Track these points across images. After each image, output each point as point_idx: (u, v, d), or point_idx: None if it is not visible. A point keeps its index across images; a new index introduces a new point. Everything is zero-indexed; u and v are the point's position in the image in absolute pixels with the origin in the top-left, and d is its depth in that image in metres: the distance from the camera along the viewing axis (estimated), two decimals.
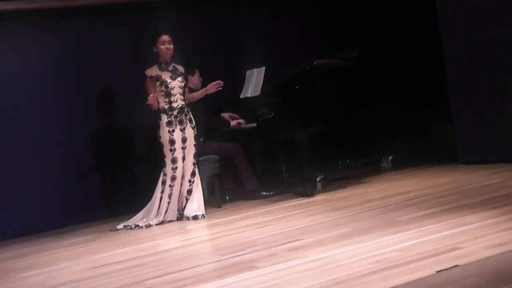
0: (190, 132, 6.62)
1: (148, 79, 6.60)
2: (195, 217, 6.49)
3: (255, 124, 6.97)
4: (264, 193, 7.32)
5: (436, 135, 7.88)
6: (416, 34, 8.29)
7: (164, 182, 6.56)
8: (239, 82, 7.64)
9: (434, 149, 7.93)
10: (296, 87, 6.87)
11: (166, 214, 6.57)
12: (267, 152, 7.72)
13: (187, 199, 6.63)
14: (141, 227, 6.50)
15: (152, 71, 6.62)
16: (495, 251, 3.41)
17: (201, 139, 7.02)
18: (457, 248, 3.60)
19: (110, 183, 7.93)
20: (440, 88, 7.42)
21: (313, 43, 8.97)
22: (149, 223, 6.52)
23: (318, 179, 7.02)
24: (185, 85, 6.74)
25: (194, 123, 6.67)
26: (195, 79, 7.46)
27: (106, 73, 7.92)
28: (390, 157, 8.13)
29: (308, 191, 6.82)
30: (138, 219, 6.64)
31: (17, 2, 7.51)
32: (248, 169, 7.43)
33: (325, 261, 3.87)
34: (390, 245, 3.96)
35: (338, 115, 7.08)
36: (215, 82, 6.72)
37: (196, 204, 6.60)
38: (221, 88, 6.76)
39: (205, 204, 6.70)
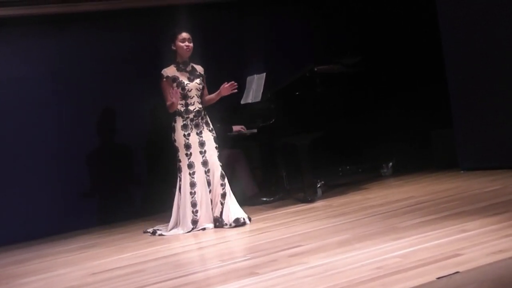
0: (208, 135, 6.25)
1: (165, 80, 6.24)
2: (237, 221, 6.01)
3: (255, 130, 6.97)
4: (265, 198, 7.32)
5: (436, 140, 7.88)
6: (416, 40, 8.31)
7: (180, 189, 6.22)
8: (240, 88, 7.63)
9: (434, 154, 7.93)
10: (297, 93, 6.88)
11: (198, 224, 6.11)
12: (267, 158, 7.72)
13: (222, 204, 6.15)
14: (165, 236, 6.14)
15: (169, 71, 6.26)
16: (496, 258, 3.41)
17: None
18: (457, 255, 3.60)
19: (110, 189, 7.93)
20: (441, 94, 7.43)
21: (314, 49, 8.98)
22: (175, 233, 6.14)
23: (318, 185, 7.02)
24: (203, 87, 6.35)
25: (211, 126, 6.33)
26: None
27: (105, 79, 7.93)
28: (391, 163, 8.14)
29: (308, 197, 6.81)
30: (166, 227, 6.31)
31: (16, 8, 7.53)
32: (249, 174, 7.44)
33: (326, 267, 3.87)
34: (391, 252, 3.96)
35: (339, 121, 7.08)
36: (228, 84, 6.35)
37: (234, 207, 6.16)
38: (236, 91, 6.44)
39: None
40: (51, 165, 7.62)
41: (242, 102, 7.55)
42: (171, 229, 6.22)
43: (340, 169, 8.71)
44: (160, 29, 7.93)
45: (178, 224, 6.21)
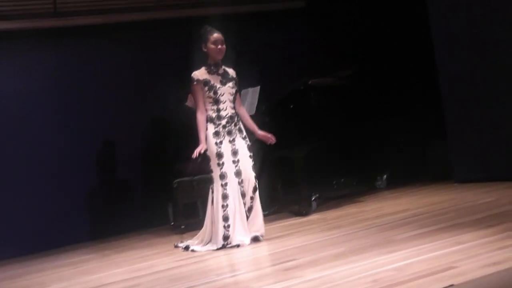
0: (241, 143, 5.79)
1: (195, 83, 5.78)
2: (256, 239, 5.66)
3: (250, 143, 6.96)
4: None
5: (431, 153, 7.89)
6: (410, 52, 8.33)
7: (213, 201, 5.73)
8: None
9: (428, 167, 7.94)
10: (291, 106, 6.89)
11: (230, 239, 5.60)
12: (262, 171, 7.71)
13: (247, 217, 5.74)
14: (195, 251, 5.75)
15: (200, 74, 5.80)
16: (490, 270, 3.40)
17: (199, 160, 6.92)
18: (452, 267, 3.59)
19: (102, 203, 7.91)
20: (435, 106, 7.44)
21: (308, 62, 9.00)
22: (208, 249, 5.69)
23: (313, 198, 7.01)
24: (236, 91, 5.91)
25: (245, 133, 5.87)
26: None
27: (100, 93, 7.94)
28: (385, 176, 8.13)
29: (303, 210, 6.81)
30: (196, 242, 5.90)
31: (14, 21, 7.55)
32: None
33: (321, 280, 3.86)
34: (386, 264, 3.95)
35: (333, 133, 7.09)
36: (269, 136, 5.96)
37: (256, 223, 5.77)
38: (270, 142, 6.01)
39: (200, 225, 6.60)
40: (40, 180, 7.60)
41: None
42: (205, 244, 5.76)
43: (334, 181, 8.70)
44: (157, 42, 7.97)
45: (211, 239, 5.76)
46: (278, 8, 9.13)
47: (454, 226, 4.84)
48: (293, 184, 6.94)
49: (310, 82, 7.05)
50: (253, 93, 7.38)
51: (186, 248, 5.87)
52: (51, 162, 7.68)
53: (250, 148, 5.83)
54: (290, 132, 6.81)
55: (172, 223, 7.45)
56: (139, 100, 8.11)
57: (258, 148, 6.22)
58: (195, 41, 6.09)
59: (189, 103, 7.39)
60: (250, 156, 5.79)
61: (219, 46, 5.79)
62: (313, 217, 6.64)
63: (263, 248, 5.36)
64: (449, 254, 3.94)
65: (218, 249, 5.57)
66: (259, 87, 7.34)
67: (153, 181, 7.98)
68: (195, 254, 5.63)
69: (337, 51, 8.90)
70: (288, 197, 7.44)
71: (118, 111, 8.01)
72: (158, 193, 7.69)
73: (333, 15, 9.14)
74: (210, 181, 5.77)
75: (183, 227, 7.14)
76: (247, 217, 5.71)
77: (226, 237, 5.61)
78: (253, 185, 5.74)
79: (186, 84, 7.20)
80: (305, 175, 6.88)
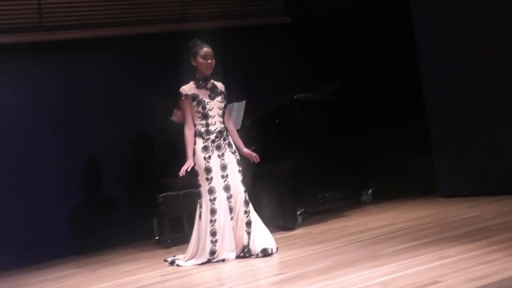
0: (230, 158, 5.74)
1: (184, 98, 5.74)
2: (264, 251, 5.47)
3: (239, 158, 6.97)
4: None
5: (416, 167, 7.92)
6: (395, 67, 8.37)
7: (200, 216, 5.68)
8: None
9: (413, 181, 7.97)
10: (277, 120, 6.91)
11: (216, 254, 5.56)
12: (248, 185, 7.71)
13: (248, 233, 5.60)
14: (181, 266, 5.67)
15: (189, 89, 5.76)
16: (475, 285, 3.42)
17: (183, 175, 6.89)
18: (437, 282, 3.61)
19: (90, 217, 7.88)
20: (420, 121, 7.48)
21: (294, 77, 9.03)
22: (193, 263, 5.62)
23: (298, 213, 7.02)
24: (225, 105, 5.89)
25: (234, 147, 5.84)
26: (180, 113, 7.47)
27: (84, 107, 7.94)
28: (371, 190, 8.16)
29: (288, 225, 6.81)
30: (183, 257, 5.80)
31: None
32: None
33: None
34: (371, 279, 3.96)
35: (319, 148, 7.11)
36: (254, 156, 5.94)
37: (262, 236, 5.60)
38: (253, 161, 5.98)
39: (185, 239, 6.57)
40: (24, 195, 7.56)
41: None
42: (189, 259, 5.70)
43: (320, 196, 8.70)
44: (141, 57, 7.98)
45: (196, 253, 5.69)
46: (263, 23, 9.17)
47: (439, 240, 4.86)
48: (279, 198, 6.94)
49: (296, 97, 7.07)
50: (239, 108, 7.39)
51: (172, 263, 5.83)
52: (35, 176, 7.64)
53: (239, 163, 5.79)
54: (276, 147, 6.82)
55: (157, 238, 7.43)
56: (124, 115, 8.11)
57: (248, 162, 6.24)
58: (180, 56, 6.09)
59: (174, 117, 7.40)
60: (239, 171, 5.75)
61: (209, 61, 5.77)
62: (299, 231, 6.64)
63: (248, 262, 5.35)
64: (433, 269, 3.96)
65: (203, 263, 5.53)
66: (244, 101, 7.35)
67: (138, 195, 7.96)
68: (181, 269, 5.60)
69: (322, 66, 8.94)
70: (273, 211, 7.44)
71: (103, 126, 7.99)
72: (144, 207, 7.66)
73: (318, 31, 9.19)
74: (199, 195, 5.72)
75: (168, 241, 7.13)
76: (249, 233, 5.59)
77: (213, 252, 5.57)
78: (243, 199, 5.67)
79: (171, 99, 7.23)
80: (291, 190, 6.89)
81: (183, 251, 5.97)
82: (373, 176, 8.14)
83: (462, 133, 6.98)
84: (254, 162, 6.01)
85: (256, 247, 5.51)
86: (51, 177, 7.71)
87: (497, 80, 6.60)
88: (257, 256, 5.47)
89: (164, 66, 8.20)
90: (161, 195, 7.22)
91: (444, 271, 3.83)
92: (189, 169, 5.63)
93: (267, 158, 6.78)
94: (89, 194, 7.94)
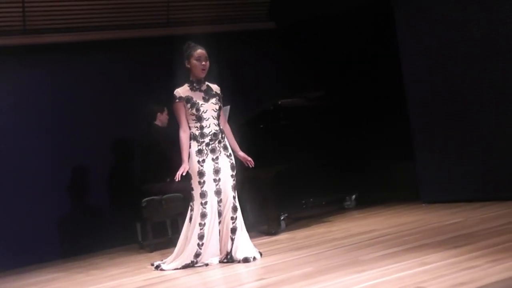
0: (224, 162, 5.67)
1: (177, 101, 5.67)
2: (246, 260, 5.42)
3: (234, 162, 6.97)
4: None
5: (398, 173, 7.97)
6: (378, 74, 8.42)
7: (191, 219, 5.65)
8: None
9: (397, 187, 8.01)
10: (261, 126, 6.91)
11: (200, 257, 5.56)
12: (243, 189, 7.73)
13: (232, 239, 5.59)
14: (165, 270, 5.65)
15: (183, 92, 5.69)
16: None
17: (168, 180, 6.87)
18: None
19: (73, 221, 7.85)
20: (402, 128, 7.52)
21: (278, 82, 9.05)
22: (175, 267, 5.61)
23: (282, 218, 7.03)
24: (220, 107, 5.79)
25: (230, 150, 5.78)
26: (163, 117, 7.48)
27: (68, 111, 7.92)
28: (354, 196, 8.19)
29: (272, 230, 6.82)
30: (168, 261, 5.76)
31: None
32: None
33: None
34: (353, 285, 3.97)
35: (302, 154, 7.12)
36: (249, 160, 5.90)
37: (244, 244, 5.59)
38: (247, 165, 5.94)
39: (169, 244, 6.55)
40: (7, 200, 7.51)
41: None
42: (173, 261, 5.69)
43: (303, 201, 8.72)
44: (124, 62, 7.97)
45: (181, 255, 5.66)
46: (248, 29, 9.18)
47: (421, 246, 4.89)
48: (262, 203, 6.95)
49: (280, 103, 7.09)
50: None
51: (157, 267, 5.80)
52: (19, 182, 7.59)
53: (233, 167, 5.74)
54: (260, 152, 6.82)
55: (141, 242, 7.41)
56: (108, 119, 8.09)
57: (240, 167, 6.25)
58: (164, 61, 6.11)
59: (158, 122, 7.40)
60: (232, 176, 5.70)
61: (203, 63, 5.73)
62: (282, 236, 6.65)
63: (231, 267, 5.35)
64: (415, 275, 3.98)
65: (186, 265, 5.55)
66: (228, 106, 7.35)
67: (122, 199, 7.94)
68: (164, 273, 5.59)
69: (306, 72, 8.97)
70: (257, 217, 7.45)
71: (87, 130, 7.97)
72: (127, 211, 7.65)
73: (303, 37, 9.22)
74: (191, 198, 5.68)
75: (152, 246, 7.11)
76: (233, 240, 5.58)
77: (197, 255, 5.56)
78: (232, 205, 5.63)
79: (156, 104, 7.24)
80: (274, 195, 6.90)
81: (167, 256, 5.95)
82: (357, 182, 8.17)
83: (445, 139, 7.02)
84: (244, 166, 5.97)
85: (237, 255, 5.50)
86: (36, 182, 7.67)
87: (480, 88, 6.66)
88: (239, 262, 5.45)
89: (148, 70, 8.20)
90: (145, 200, 7.20)
91: (426, 277, 3.85)
92: (184, 173, 5.60)
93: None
94: (73, 199, 7.90)
